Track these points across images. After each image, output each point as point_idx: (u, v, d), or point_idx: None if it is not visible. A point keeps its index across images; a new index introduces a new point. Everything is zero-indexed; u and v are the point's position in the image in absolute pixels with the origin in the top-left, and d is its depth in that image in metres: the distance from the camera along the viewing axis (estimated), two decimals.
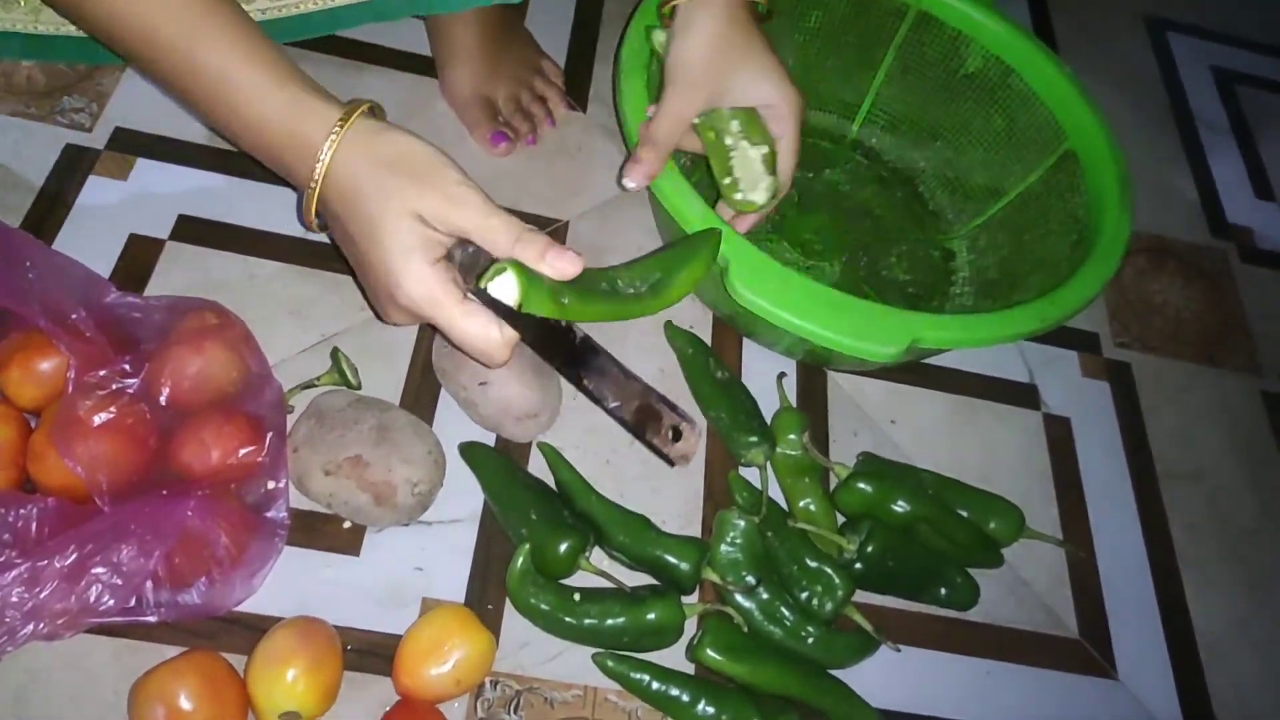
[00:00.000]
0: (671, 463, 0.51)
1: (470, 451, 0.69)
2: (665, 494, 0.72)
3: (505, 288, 0.50)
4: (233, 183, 0.79)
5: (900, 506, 0.70)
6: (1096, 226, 0.76)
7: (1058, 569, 0.77)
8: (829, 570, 0.66)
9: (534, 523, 0.64)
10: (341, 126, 0.51)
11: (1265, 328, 0.98)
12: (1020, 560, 0.76)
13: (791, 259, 0.85)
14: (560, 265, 0.51)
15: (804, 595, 0.66)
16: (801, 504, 0.71)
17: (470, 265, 0.53)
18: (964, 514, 0.74)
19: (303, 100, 0.52)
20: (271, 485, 0.62)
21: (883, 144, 0.95)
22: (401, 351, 0.74)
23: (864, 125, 0.94)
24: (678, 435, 0.51)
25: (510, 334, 0.52)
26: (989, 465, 0.81)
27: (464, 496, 0.69)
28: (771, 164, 0.70)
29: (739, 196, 0.71)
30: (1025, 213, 0.85)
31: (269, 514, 0.61)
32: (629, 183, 0.67)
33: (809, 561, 0.66)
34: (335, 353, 0.70)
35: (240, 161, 0.80)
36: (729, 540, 0.65)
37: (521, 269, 0.50)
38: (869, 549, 0.68)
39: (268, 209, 0.78)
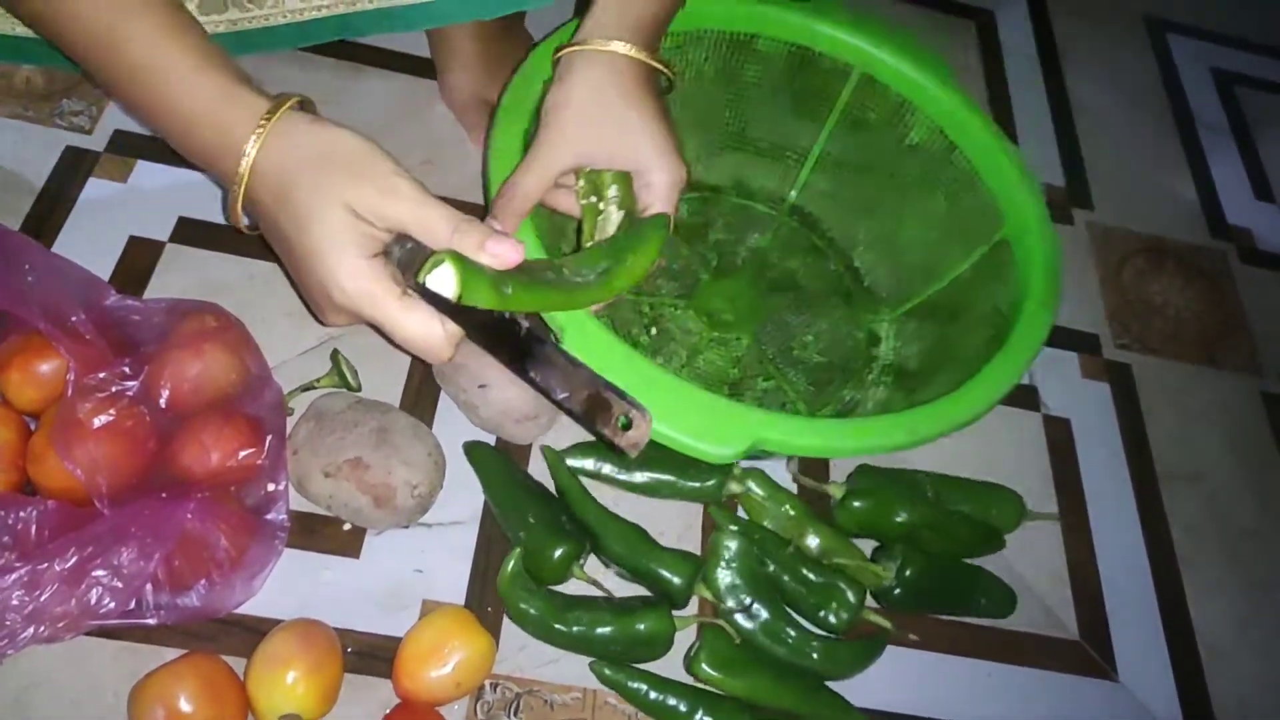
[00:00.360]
0: (622, 452, 0.50)
1: (473, 451, 0.69)
2: (665, 506, 0.72)
3: (444, 280, 0.47)
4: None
5: (901, 517, 0.70)
6: (1012, 324, 0.67)
7: (1058, 569, 0.77)
8: (839, 583, 0.66)
9: (531, 526, 0.64)
10: (269, 119, 0.49)
11: (1265, 328, 0.98)
12: (1020, 561, 0.76)
13: (695, 329, 0.79)
14: (500, 252, 0.48)
15: (816, 610, 0.66)
16: (809, 540, 0.69)
17: (409, 261, 0.50)
18: (965, 508, 0.74)
19: (230, 90, 0.50)
20: (271, 487, 0.62)
21: (822, 211, 0.88)
22: (401, 353, 0.74)
23: (804, 190, 0.88)
24: (629, 424, 0.49)
25: (454, 329, 0.50)
26: (988, 467, 0.80)
27: (464, 498, 0.69)
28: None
29: None
30: (955, 301, 0.79)
31: (269, 516, 0.61)
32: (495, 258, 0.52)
33: (813, 576, 0.66)
34: (335, 355, 0.70)
35: None
36: (725, 560, 0.65)
37: (460, 259, 0.47)
38: (908, 573, 0.68)
39: None
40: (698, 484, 0.69)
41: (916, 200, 0.83)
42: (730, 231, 0.87)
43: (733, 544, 0.66)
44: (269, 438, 0.62)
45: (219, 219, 0.77)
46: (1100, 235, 1.01)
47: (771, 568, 0.67)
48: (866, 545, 0.72)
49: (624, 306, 0.80)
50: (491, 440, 0.71)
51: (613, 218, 0.61)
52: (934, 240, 0.82)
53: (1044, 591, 0.76)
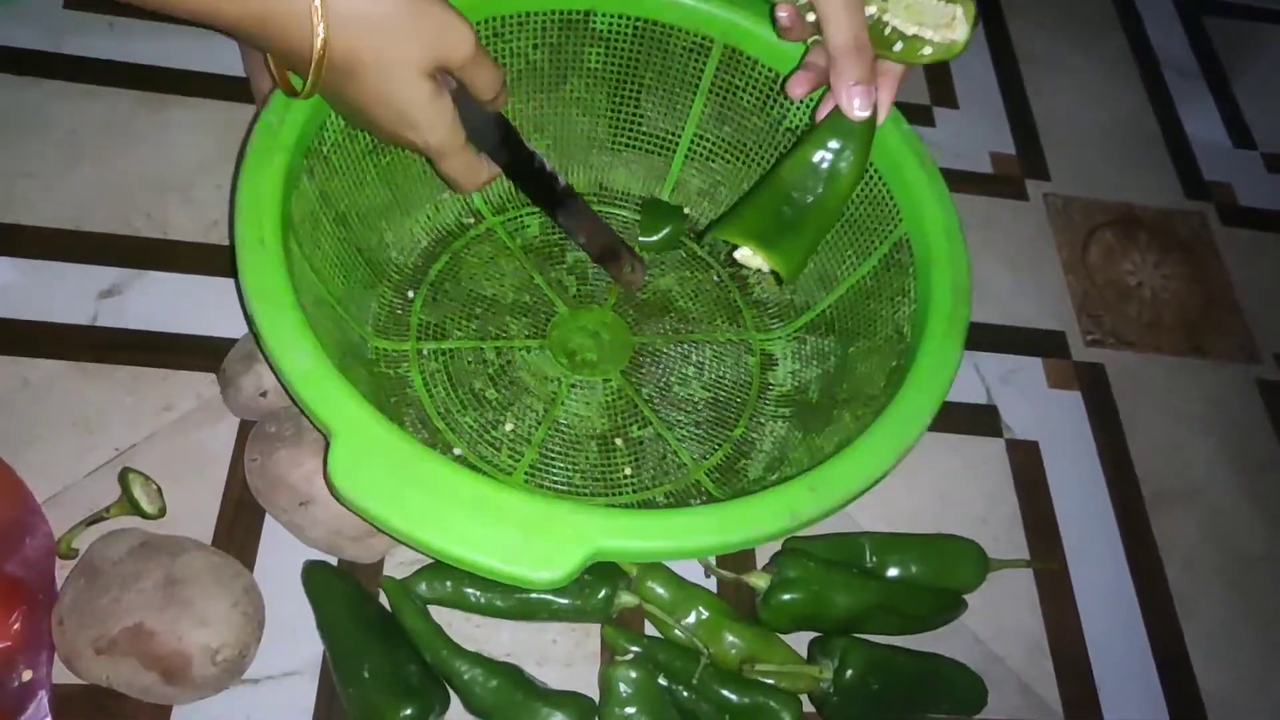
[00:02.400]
0: (624, 286, 0.69)
1: (310, 576, 0.56)
2: (550, 627, 0.59)
3: None
4: None
5: (840, 603, 0.57)
6: (915, 353, 0.55)
7: (1033, 634, 0.65)
8: (769, 703, 0.54)
9: (365, 682, 0.50)
10: None
11: (1255, 301, 0.85)
12: (987, 628, 0.64)
13: (553, 374, 0.66)
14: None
15: None
16: (728, 642, 0.57)
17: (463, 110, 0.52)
18: (915, 570, 0.62)
19: None
20: (28, 675, 0.49)
21: (699, 212, 0.75)
22: (217, 460, 0.60)
23: (675, 189, 0.75)
24: (632, 269, 0.67)
25: (494, 169, 0.56)
26: (944, 510, 0.68)
27: (299, 641, 0.56)
28: None
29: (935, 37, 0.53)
30: (856, 315, 0.66)
31: (23, 718, 0.48)
32: (864, 110, 0.52)
33: (735, 698, 0.54)
34: (124, 476, 0.57)
35: (7, 238, 0.66)
36: (622, 699, 0.52)
37: None
38: (848, 674, 0.56)
39: (43, 294, 0.64)
40: (579, 601, 0.55)
41: None
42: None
43: (631, 675, 0.53)
44: (19, 610, 0.49)
45: None
46: (1060, 209, 0.87)
47: (685, 694, 0.55)
48: (803, 637, 0.60)
49: (462, 355, 0.66)
50: (335, 560, 0.58)
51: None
52: (828, 240, 0.68)
53: (1019, 665, 0.63)
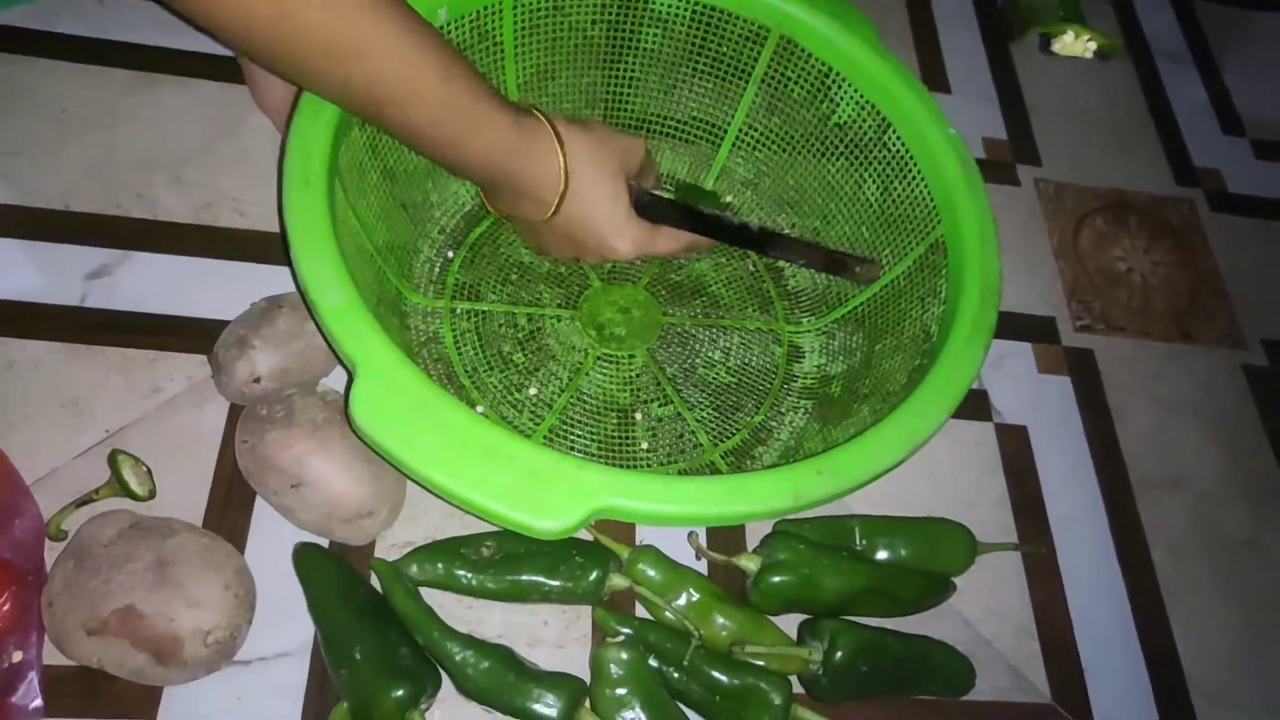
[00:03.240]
0: (864, 284, 0.68)
1: (301, 558, 0.56)
2: (541, 609, 0.59)
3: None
4: None
5: (830, 585, 0.58)
6: (937, 353, 0.56)
7: (1021, 617, 0.65)
8: (759, 684, 0.54)
9: (357, 664, 0.51)
10: (561, 142, 0.58)
11: (1242, 287, 0.86)
12: (976, 611, 0.64)
13: (581, 345, 0.68)
14: None
15: None
16: (719, 624, 0.57)
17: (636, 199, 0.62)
18: (904, 553, 0.62)
19: (522, 124, 0.56)
20: (18, 656, 0.49)
21: (742, 200, 0.76)
22: (207, 443, 0.60)
23: (720, 178, 0.76)
24: (863, 269, 0.65)
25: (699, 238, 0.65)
26: (934, 495, 0.68)
27: (290, 622, 0.55)
28: None
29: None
30: (886, 313, 0.67)
31: (15, 699, 0.48)
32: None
33: (725, 679, 0.54)
34: (114, 458, 0.56)
35: None
36: (613, 680, 0.52)
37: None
38: (838, 656, 0.56)
39: (32, 274, 0.64)
40: (570, 583, 0.56)
41: (846, 189, 0.70)
42: None
43: (622, 656, 0.53)
44: (9, 592, 0.49)
45: None
46: (1052, 195, 0.87)
47: (676, 675, 0.55)
48: (793, 619, 0.60)
49: (494, 317, 0.67)
50: (326, 542, 0.58)
51: None
52: (865, 237, 0.69)
53: (1006, 648, 0.64)
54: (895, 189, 0.66)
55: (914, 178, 0.65)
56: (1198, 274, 0.86)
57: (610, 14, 0.68)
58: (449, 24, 0.62)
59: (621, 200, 0.61)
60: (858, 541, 0.62)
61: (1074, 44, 0.54)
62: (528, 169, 0.57)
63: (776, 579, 0.58)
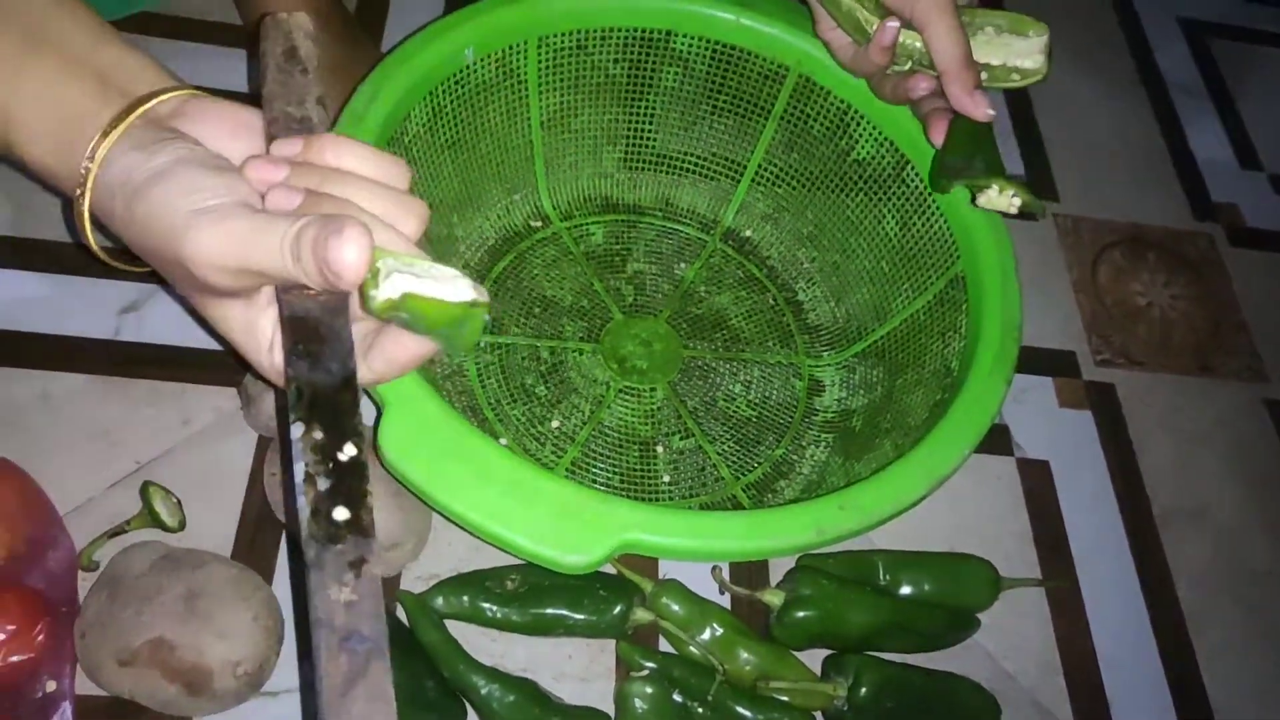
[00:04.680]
0: None
1: None
2: (566, 643, 0.59)
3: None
4: (20, 279, 0.65)
5: (854, 620, 0.58)
6: (959, 388, 0.56)
7: (1046, 652, 0.65)
8: (782, 718, 0.55)
9: None
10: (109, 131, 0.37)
11: (1262, 322, 0.86)
12: (1000, 646, 0.64)
13: (603, 378, 0.68)
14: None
15: None
16: (743, 659, 0.57)
17: None
18: (927, 588, 0.62)
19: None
20: (52, 686, 0.49)
21: (761, 236, 0.77)
22: (235, 475, 0.61)
23: (740, 212, 0.76)
24: None
25: None
26: (956, 530, 0.68)
27: None
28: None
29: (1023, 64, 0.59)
30: (907, 348, 0.67)
31: None
32: (990, 110, 0.57)
33: (749, 714, 0.54)
34: (146, 489, 0.57)
35: (30, 253, 0.66)
36: (637, 714, 0.52)
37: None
38: (862, 692, 0.56)
39: (65, 308, 0.65)
40: (595, 617, 0.56)
41: (865, 225, 0.71)
42: (652, 260, 0.75)
43: (646, 691, 0.53)
44: (43, 623, 0.49)
45: (7, 324, 0.64)
46: (1070, 229, 0.88)
47: (700, 710, 0.55)
48: (817, 654, 0.60)
49: (517, 350, 0.68)
50: None
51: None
52: (884, 273, 0.70)
53: (1032, 683, 0.64)
54: (914, 224, 0.67)
55: (933, 213, 0.65)
56: (1217, 308, 0.86)
57: (632, 53, 0.69)
58: (475, 62, 0.63)
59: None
60: (881, 576, 0.62)
61: (998, 199, 0.55)
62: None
63: (800, 614, 0.58)
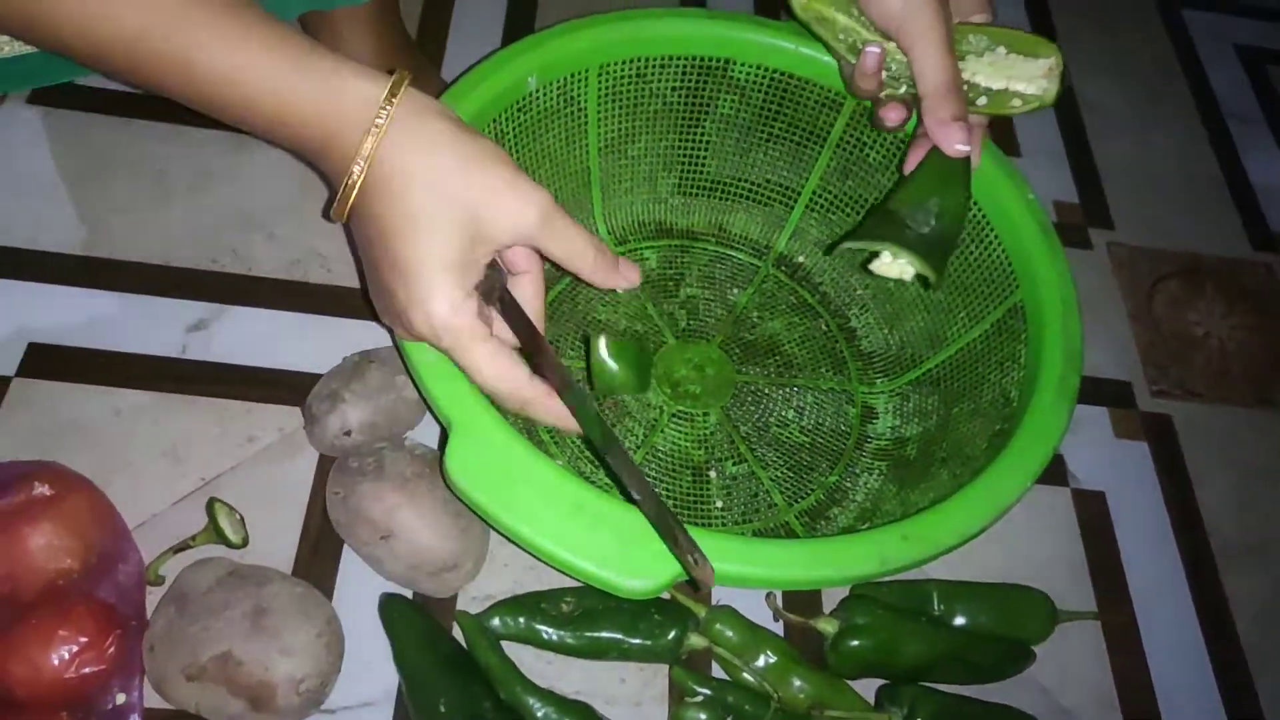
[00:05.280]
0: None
1: (388, 608, 0.57)
2: (620, 667, 0.59)
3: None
4: (92, 297, 0.67)
5: (908, 650, 0.57)
6: (1020, 418, 0.56)
7: (1102, 686, 0.64)
8: None
9: (441, 716, 0.51)
10: (389, 106, 0.43)
11: None
12: (1055, 680, 0.63)
13: (656, 403, 0.68)
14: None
15: None
16: (796, 686, 0.57)
17: (489, 289, 0.48)
18: (983, 620, 0.62)
19: (331, 79, 0.43)
20: (122, 699, 0.50)
21: (814, 263, 0.76)
22: (297, 492, 0.62)
23: (793, 238, 0.76)
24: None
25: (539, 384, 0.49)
26: (1009, 560, 0.68)
27: (377, 671, 0.57)
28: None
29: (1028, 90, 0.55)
30: (963, 377, 0.66)
31: None
32: (964, 146, 0.53)
33: None
34: (212, 505, 0.58)
35: (102, 272, 0.68)
36: None
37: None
38: None
39: (135, 326, 0.66)
40: (649, 641, 0.56)
41: None
42: (705, 286, 0.76)
43: (700, 717, 0.53)
44: (114, 634, 0.50)
45: (80, 342, 0.65)
46: (1125, 259, 0.87)
47: None
48: (869, 683, 0.60)
49: (573, 373, 0.69)
50: (410, 593, 0.59)
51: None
52: (940, 301, 0.70)
53: (1088, 718, 0.63)
54: (972, 253, 0.67)
55: (991, 242, 0.65)
56: (1277, 339, 0.85)
57: (690, 81, 0.70)
58: (537, 90, 0.64)
59: (454, 248, 0.44)
60: (935, 606, 0.62)
61: (890, 265, 0.53)
62: (309, 133, 0.44)
63: (855, 643, 0.58)
